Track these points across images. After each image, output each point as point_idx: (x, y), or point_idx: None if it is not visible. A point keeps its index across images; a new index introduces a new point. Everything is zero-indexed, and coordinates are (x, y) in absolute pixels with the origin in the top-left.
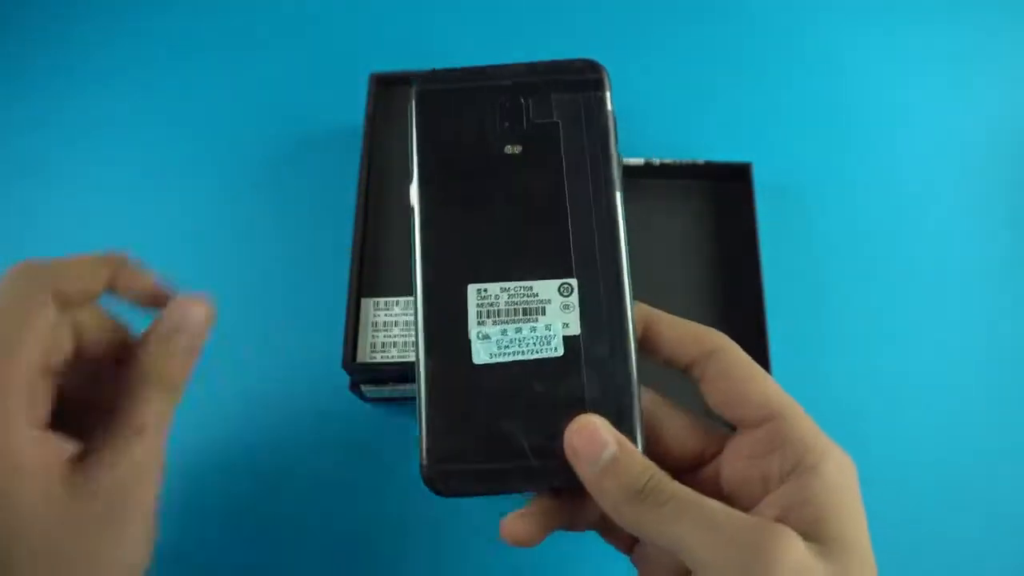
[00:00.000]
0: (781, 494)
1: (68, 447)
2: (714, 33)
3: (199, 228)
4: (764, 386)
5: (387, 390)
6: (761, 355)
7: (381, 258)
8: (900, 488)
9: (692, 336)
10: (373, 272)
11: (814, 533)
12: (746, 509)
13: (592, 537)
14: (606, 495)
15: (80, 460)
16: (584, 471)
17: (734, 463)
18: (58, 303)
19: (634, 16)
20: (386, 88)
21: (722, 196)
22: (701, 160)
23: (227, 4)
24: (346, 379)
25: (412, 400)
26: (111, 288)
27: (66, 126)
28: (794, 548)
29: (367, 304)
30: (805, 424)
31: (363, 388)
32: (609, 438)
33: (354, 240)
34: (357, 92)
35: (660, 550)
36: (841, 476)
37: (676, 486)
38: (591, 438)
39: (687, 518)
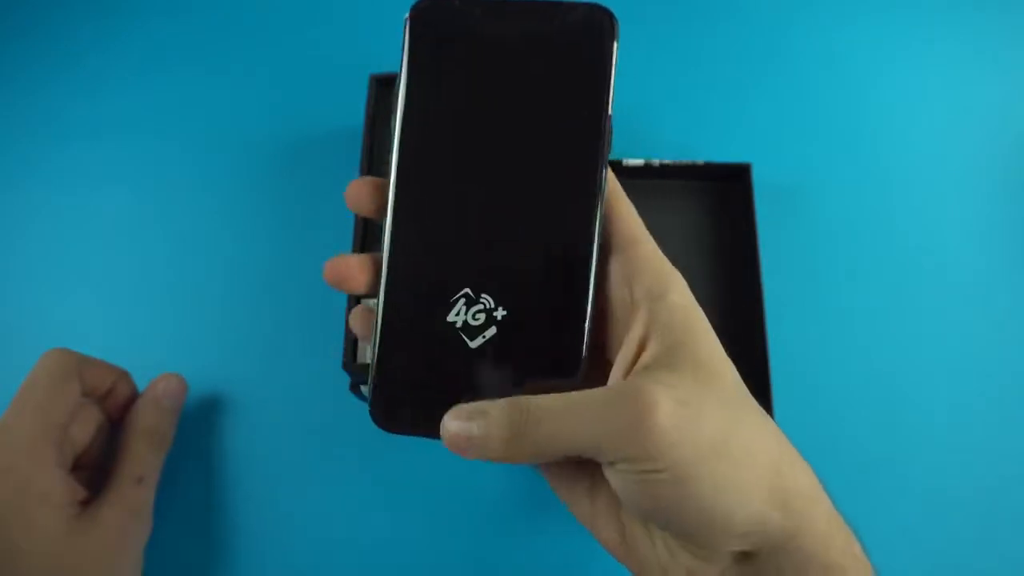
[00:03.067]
0: (636, 324)
1: (82, 490)
2: (714, 33)
3: (199, 228)
4: (630, 219)
5: None
6: (761, 355)
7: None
8: (900, 488)
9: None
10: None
11: (673, 360)
12: (622, 328)
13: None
14: (498, 455)
15: (86, 504)
16: (475, 457)
17: (612, 282)
18: (80, 383)
19: (634, 16)
20: (386, 89)
21: (722, 196)
22: (701, 160)
23: (227, 6)
24: (346, 379)
25: None
26: (104, 393)
27: (66, 127)
28: (662, 404)
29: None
30: (654, 255)
31: (363, 388)
32: (465, 424)
33: (354, 240)
34: (357, 92)
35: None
36: (683, 302)
37: (541, 400)
38: (456, 438)
39: (567, 423)
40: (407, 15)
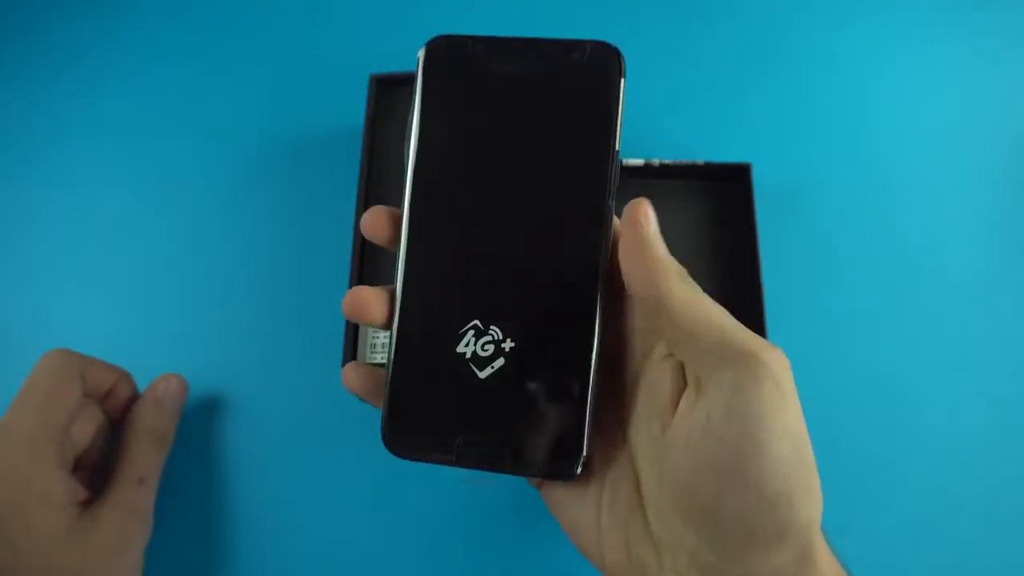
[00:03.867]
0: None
1: (83, 490)
2: (714, 33)
3: (199, 228)
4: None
5: None
6: None
7: (381, 258)
8: (900, 488)
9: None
10: (373, 272)
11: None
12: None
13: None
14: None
15: (87, 504)
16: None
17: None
18: (81, 383)
19: (633, 17)
20: (386, 89)
21: (722, 196)
22: (701, 160)
23: (227, 6)
24: None
25: None
26: (104, 393)
27: (66, 126)
28: (784, 369)
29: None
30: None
31: None
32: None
33: (354, 240)
34: (357, 93)
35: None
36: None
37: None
38: (642, 214)
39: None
40: (420, 51)
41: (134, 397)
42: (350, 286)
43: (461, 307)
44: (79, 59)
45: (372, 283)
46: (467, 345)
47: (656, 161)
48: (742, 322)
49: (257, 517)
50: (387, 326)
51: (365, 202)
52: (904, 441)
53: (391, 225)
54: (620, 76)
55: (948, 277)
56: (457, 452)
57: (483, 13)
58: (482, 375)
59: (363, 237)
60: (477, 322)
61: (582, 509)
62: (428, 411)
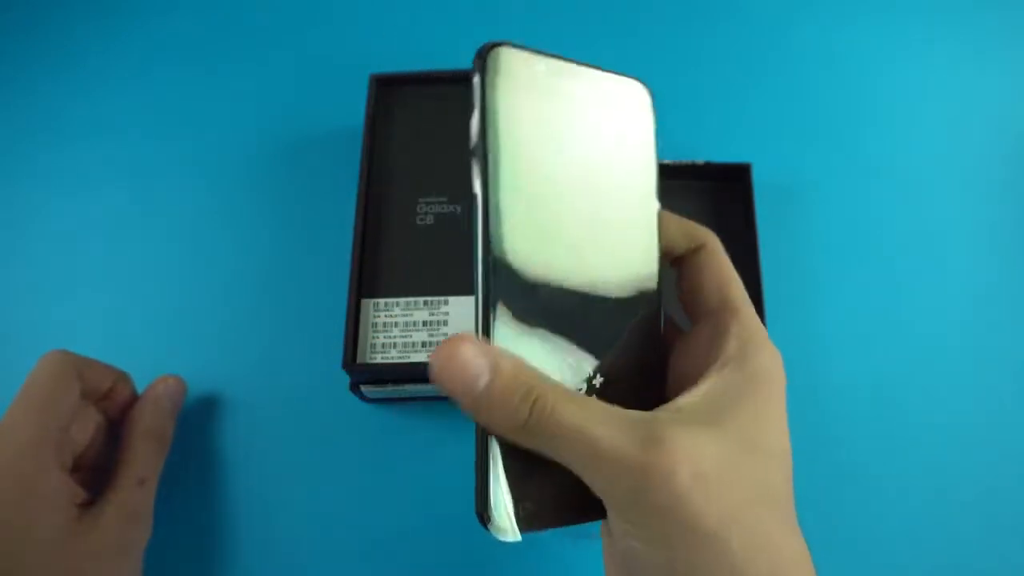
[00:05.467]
0: (706, 383)
1: (82, 491)
2: (714, 33)
3: (199, 228)
4: (729, 282)
5: (387, 390)
6: None
7: (381, 258)
8: (900, 488)
9: (683, 231)
10: (373, 272)
11: (722, 420)
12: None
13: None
14: (490, 426)
15: (86, 505)
16: (458, 401)
17: (682, 359)
18: (80, 384)
19: (633, 17)
20: (386, 89)
21: (722, 196)
22: (701, 160)
23: (227, 5)
24: (346, 379)
25: (412, 400)
26: (103, 394)
27: (65, 127)
28: (678, 475)
29: (367, 305)
30: (751, 322)
31: (363, 388)
32: (483, 365)
33: (354, 240)
34: (357, 92)
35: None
36: (765, 370)
37: (560, 413)
38: (461, 368)
39: (573, 451)
40: (484, 57)
41: (133, 398)
42: (350, 286)
43: (581, 352)
44: (78, 59)
45: (372, 283)
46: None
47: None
48: None
49: (256, 518)
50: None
51: (365, 202)
52: (904, 441)
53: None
54: (651, 113)
55: (948, 277)
56: (575, 510)
57: (484, 13)
58: None
59: (363, 236)
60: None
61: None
62: (537, 473)
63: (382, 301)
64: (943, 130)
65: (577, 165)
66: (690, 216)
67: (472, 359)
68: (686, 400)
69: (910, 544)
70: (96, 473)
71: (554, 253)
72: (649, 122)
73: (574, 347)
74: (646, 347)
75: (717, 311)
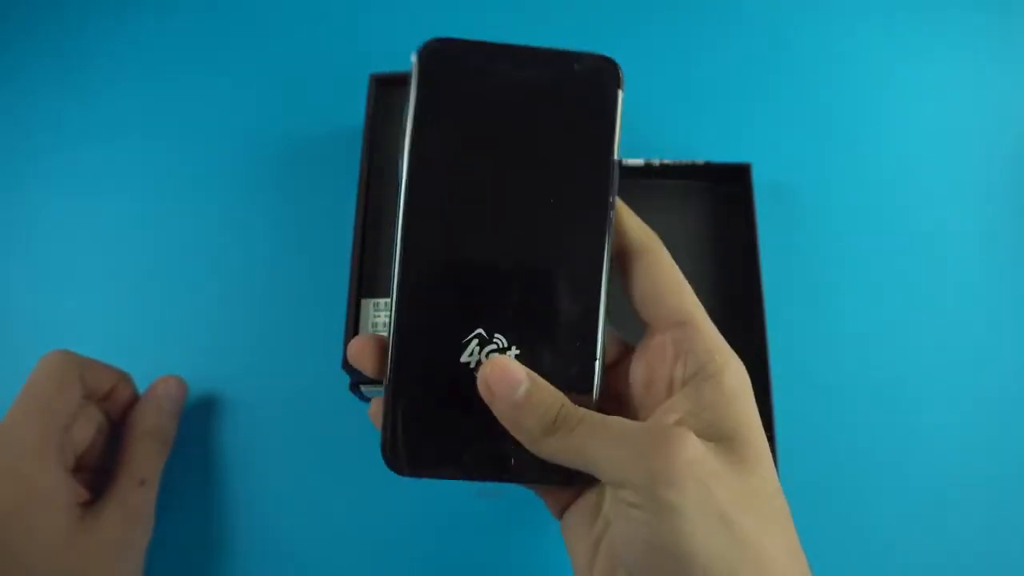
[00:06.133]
0: (682, 397)
1: (83, 492)
2: (714, 33)
3: (199, 229)
4: (682, 294)
5: None
6: (761, 354)
7: (381, 258)
8: (900, 488)
9: (627, 228)
10: (373, 272)
11: (711, 433)
12: (651, 410)
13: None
14: (524, 430)
15: (87, 505)
16: (501, 408)
17: (642, 366)
18: (81, 384)
19: (633, 16)
20: (386, 89)
21: (722, 196)
22: (701, 160)
23: (227, 5)
24: (346, 379)
25: None
26: (104, 395)
27: (66, 128)
28: (690, 444)
29: (367, 305)
30: (710, 333)
31: (363, 388)
32: (521, 375)
33: (354, 240)
34: (357, 92)
35: (585, 518)
36: (738, 384)
37: (583, 410)
38: (503, 376)
39: (595, 436)
40: (414, 55)
41: (134, 398)
42: (350, 286)
43: (463, 316)
44: (79, 60)
45: (372, 283)
46: (471, 355)
47: (656, 161)
48: (741, 324)
49: (257, 517)
50: (378, 377)
51: (365, 202)
52: (904, 441)
53: (378, 355)
54: (619, 88)
55: (949, 277)
56: (464, 465)
57: (484, 13)
58: None
59: (363, 236)
60: (481, 330)
61: (581, 547)
62: (432, 425)
63: (382, 301)
64: (943, 130)
65: (507, 154)
66: (690, 216)
67: (515, 371)
68: (674, 418)
69: (911, 543)
70: (97, 473)
71: (467, 236)
72: (612, 101)
73: (485, 317)
74: (576, 339)
75: (677, 323)
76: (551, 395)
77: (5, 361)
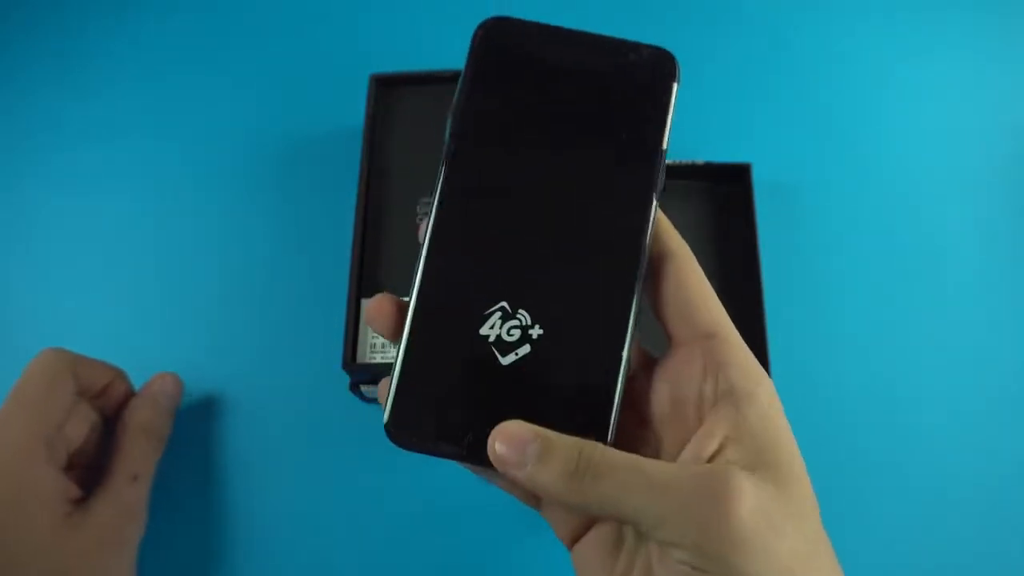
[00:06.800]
0: (719, 420)
1: (76, 488)
2: (714, 33)
3: (199, 228)
4: (711, 304)
5: None
6: (761, 354)
7: (381, 258)
8: (900, 488)
9: (656, 230)
10: (373, 272)
11: (754, 461)
12: (678, 430)
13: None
14: (546, 487)
15: (80, 502)
16: (518, 474)
17: (667, 379)
18: (74, 382)
19: (633, 16)
20: (386, 89)
21: (722, 196)
22: (701, 160)
23: (227, 6)
24: (346, 379)
25: None
26: (98, 392)
27: (66, 128)
28: (746, 495)
29: (367, 304)
30: (742, 348)
31: (363, 388)
32: (528, 434)
33: (354, 240)
34: (357, 93)
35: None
36: (774, 403)
37: (611, 454)
38: (511, 441)
39: (632, 486)
40: (478, 30)
41: (129, 395)
42: (350, 286)
43: (490, 285)
44: (78, 60)
45: (372, 283)
46: (492, 328)
47: None
48: (741, 324)
49: (253, 515)
50: (392, 337)
51: (365, 202)
52: (904, 441)
53: (395, 315)
54: (675, 81)
55: (949, 277)
56: (467, 445)
57: (484, 13)
58: (504, 361)
59: (363, 236)
60: (505, 304)
61: (605, 565)
62: (439, 397)
63: None
64: (943, 130)
65: (555, 135)
66: (690, 216)
67: (519, 430)
68: (714, 444)
69: (910, 543)
70: (91, 471)
71: (506, 208)
72: (667, 92)
73: (512, 290)
74: (605, 320)
75: (705, 335)
76: (565, 442)
77: (5, 361)
